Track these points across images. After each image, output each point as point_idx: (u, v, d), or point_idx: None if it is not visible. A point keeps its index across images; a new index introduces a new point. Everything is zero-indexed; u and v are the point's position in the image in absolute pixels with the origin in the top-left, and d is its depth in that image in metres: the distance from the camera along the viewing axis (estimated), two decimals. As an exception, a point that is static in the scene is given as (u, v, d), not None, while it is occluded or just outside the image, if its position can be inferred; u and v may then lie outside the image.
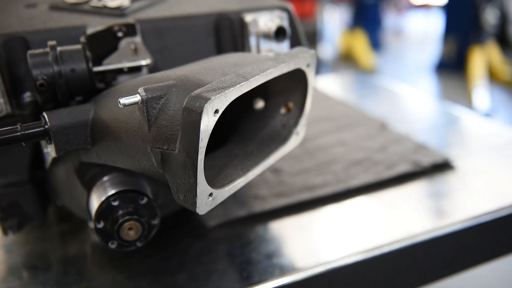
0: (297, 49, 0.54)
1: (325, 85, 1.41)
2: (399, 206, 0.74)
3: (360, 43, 4.49)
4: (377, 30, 4.99)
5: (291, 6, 0.68)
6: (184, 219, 0.72)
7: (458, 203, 0.75)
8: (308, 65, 0.54)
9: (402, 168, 0.82)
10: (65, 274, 0.63)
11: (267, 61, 0.49)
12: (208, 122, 0.40)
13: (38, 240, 0.71)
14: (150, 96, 0.43)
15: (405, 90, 1.32)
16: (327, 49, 4.14)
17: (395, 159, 0.85)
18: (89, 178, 0.54)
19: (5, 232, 0.62)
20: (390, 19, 6.03)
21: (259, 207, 0.73)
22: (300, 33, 0.69)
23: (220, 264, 0.63)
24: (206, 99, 0.40)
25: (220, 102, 0.41)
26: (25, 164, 0.59)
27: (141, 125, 0.44)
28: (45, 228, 0.74)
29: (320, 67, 3.55)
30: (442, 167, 0.85)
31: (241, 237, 0.68)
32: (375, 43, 4.85)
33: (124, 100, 0.42)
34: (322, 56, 3.57)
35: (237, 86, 0.43)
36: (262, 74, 0.46)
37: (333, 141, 0.94)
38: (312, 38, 3.42)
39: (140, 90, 0.43)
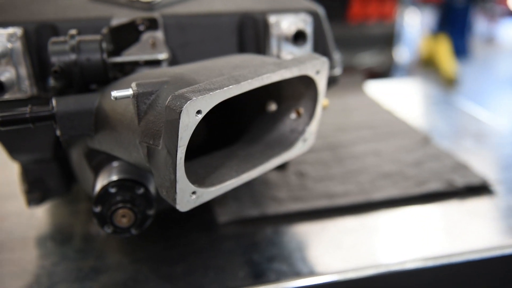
0: (307, 55, 0.53)
1: (388, 90, 1.36)
2: (417, 226, 0.71)
3: (443, 50, 4.26)
4: (465, 36, 4.71)
5: (321, 10, 0.67)
6: (197, 211, 0.73)
7: (474, 231, 0.70)
8: (317, 72, 0.53)
9: (432, 186, 0.78)
10: (81, 250, 0.67)
11: (269, 65, 0.49)
12: (188, 122, 0.41)
13: (67, 214, 0.76)
14: (141, 91, 0.45)
15: (470, 107, 1.24)
16: (405, 52, 3.99)
17: (428, 176, 0.81)
18: (96, 163, 0.57)
19: (29, 204, 0.67)
20: (481, 25, 5.68)
21: (273, 209, 0.73)
22: (328, 38, 0.67)
23: (219, 261, 0.63)
24: (187, 99, 0.40)
25: (204, 103, 0.42)
26: (50, 143, 0.63)
27: (133, 118, 0.46)
28: (75, 203, 0.79)
29: (395, 70, 3.42)
30: (479, 190, 0.79)
31: (248, 236, 0.68)
32: (462, 50, 4.58)
33: (115, 93, 0.44)
34: (399, 60, 3.44)
35: (225, 88, 0.43)
36: (256, 78, 0.46)
37: (367, 150, 0.91)
38: (390, 41, 3.31)
39: (133, 84, 0.45)
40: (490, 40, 5.61)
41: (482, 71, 4.50)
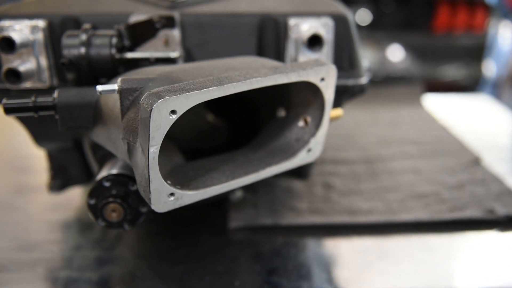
0: (312, 60, 0.50)
1: (455, 106, 1.27)
2: (439, 255, 0.64)
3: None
4: None
5: (350, 14, 0.63)
6: (213, 214, 0.73)
7: (489, 270, 0.62)
8: (322, 79, 0.50)
9: (468, 213, 0.71)
10: (97, 240, 0.69)
11: (264, 69, 0.46)
12: (160, 122, 0.40)
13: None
14: (124, 87, 0.44)
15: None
16: (495, 67, 3.71)
17: (467, 201, 0.74)
18: (101, 155, 0.57)
19: (50, 190, 0.70)
20: None
21: (288, 219, 0.70)
22: (355, 44, 0.63)
23: (220, 267, 0.62)
24: (160, 98, 0.39)
25: (178, 103, 0.40)
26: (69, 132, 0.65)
27: (119, 114, 0.46)
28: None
29: (483, 85, 3.19)
30: (524, 222, 0.71)
31: (256, 245, 0.66)
32: None
33: (100, 88, 0.44)
34: (487, 74, 3.21)
35: (204, 89, 0.41)
36: (243, 81, 0.44)
37: (407, 167, 0.85)
38: (479, 53, 3.09)
39: (119, 80, 0.45)
40: None
41: None
